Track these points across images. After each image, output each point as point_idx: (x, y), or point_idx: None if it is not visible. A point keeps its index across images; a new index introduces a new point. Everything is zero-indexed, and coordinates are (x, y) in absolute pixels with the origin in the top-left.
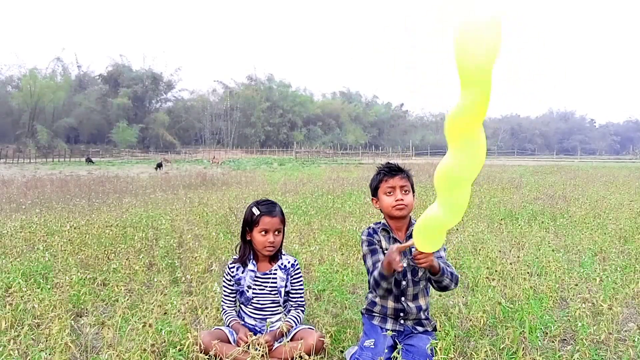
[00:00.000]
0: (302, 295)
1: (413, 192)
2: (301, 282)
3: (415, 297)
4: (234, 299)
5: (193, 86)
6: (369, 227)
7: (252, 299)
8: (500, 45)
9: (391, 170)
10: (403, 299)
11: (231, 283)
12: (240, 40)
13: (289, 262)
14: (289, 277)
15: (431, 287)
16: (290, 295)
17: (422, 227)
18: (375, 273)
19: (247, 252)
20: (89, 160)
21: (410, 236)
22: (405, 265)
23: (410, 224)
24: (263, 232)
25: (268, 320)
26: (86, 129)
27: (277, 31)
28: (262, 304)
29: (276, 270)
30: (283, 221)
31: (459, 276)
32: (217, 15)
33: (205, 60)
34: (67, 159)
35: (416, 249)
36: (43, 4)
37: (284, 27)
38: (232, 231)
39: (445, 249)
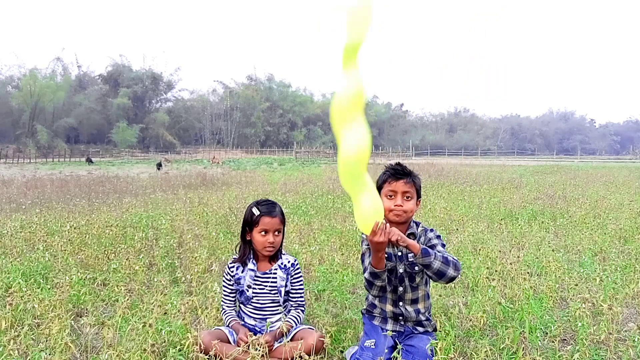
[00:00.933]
0: (302, 295)
1: (419, 197)
2: (301, 282)
3: (414, 302)
4: (233, 299)
5: (193, 86)
6: None
7: (252, 298)
8: (368, 23)
9: (396, 173)
10: (401, 303)
11: (231, 283)
12: (240, 40)
13: (289, 262)
14: (289, 276)
15: (432, 288)
16: (290, 295)
17: (356, 216)
18: (366, 274)
19: (247, 252)
20: (89, 160)
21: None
22: (402, 271)
23: (409, 227)
24: (263, 232)
25: (268, 320)
26: (86, 129)
27: (277, 31)
28: (262, 304)
29: (276, 269)
30: (283, 221)
31: (459, 262)
32: (216, 15)
33: (205, 60)
34: (67, 159)
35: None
36: (43, 4)
37: (284, 27)
38: (232, 231)
39: (444, 245)
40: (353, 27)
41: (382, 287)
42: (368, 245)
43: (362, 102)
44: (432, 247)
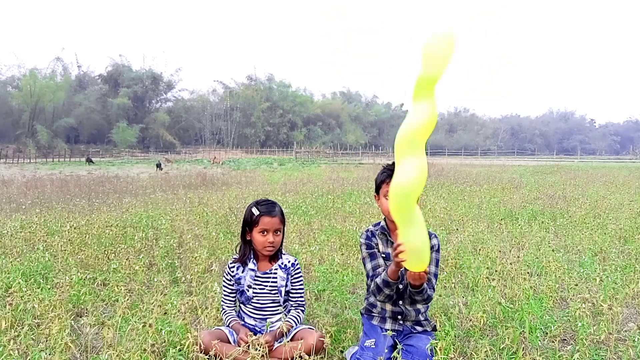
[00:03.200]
0: (302, 295)
1: None
2: (301, 282)
3: (413, 301)
4: (234, 299)
5: (193, 86)
6: (367, 230)
7: (252, 298)
8: (450, 57)
9: None
10: (401, 302)
11: (231, 283)
12: (240, 40)
13: (289, 262)
14: (289, 276)
15: (433, 290)
16: (291, 295)
17: (407, 252)
18: (378, 280)
19: (247, 252)
20: (89, 160)
21: None
22: (403, 270)
23: None
24: (263, 232)
25: (268, 320)
26: (86, 129)
27: (277, 31)
28: (262, 304)
29: (276, 269)
30: (283, 221)
31: (432, 297)
32: (217, 15)
33: (205, 60)
34: (67, 159)
35: (409, 271)
36: (43, 4)
37: (284, 27)
38: (232, 231)
39: (438, 260)
40: (432, 61)
41: (389, 296)
42: (368, 249)
43: (427, 135)
44: None
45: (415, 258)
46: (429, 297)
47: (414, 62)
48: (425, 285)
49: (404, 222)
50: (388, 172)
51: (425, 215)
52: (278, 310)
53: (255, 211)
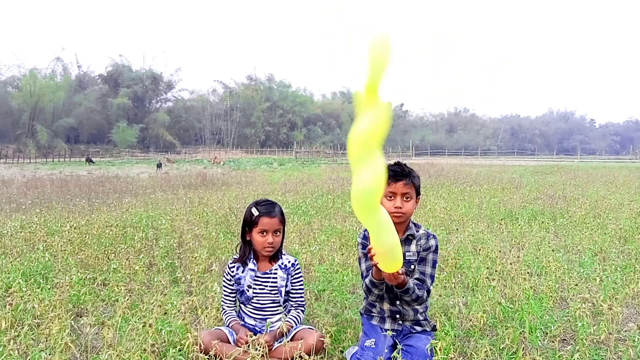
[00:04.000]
0: (302, 295)
1: (418, 195)
2: (301, 282)
3: (407, 301)
4: (234, 299)
5: (193, 86)
6: (365, 230)
7: (252, 298)
8: (388, 61)
9: (395, 175)
10: (398, 302)
11: (231, 283)
12: (240, 40)
13: (289, 262)
14: (289, 276)
15: (432, 289)
16: (291, 295)
17: (378, 255)
18: (367, 280)
19: (247, 252)
20: (89, 160)
21: (406, 239)
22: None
23: (407, 227)
24: (262, 233)
25: (268, 320)
26: (86, 129)
27: (277, 31)
28: (262, 304)
29: (276, 269)
30: (283, 221)
31: (424, 298)
32: (217, 15)
33: (205, 60)
34: (67, 159)
35: (383, 272)
36: (43, 4)
37: (284, 27)
38: (232, 231)
39: (435, 262)
40: (373, 65)
41: (380, 295)
42: (363, 249)
43: (379, 138)
44: (423, 260)
45: (386, 260)
46: (419, 298)
47: (413, 62)
48: (411, 285)
49: (370, 227)
50: (389, 174)
51: (425, 215)
52: (278, 310)
53: (255, 212)
